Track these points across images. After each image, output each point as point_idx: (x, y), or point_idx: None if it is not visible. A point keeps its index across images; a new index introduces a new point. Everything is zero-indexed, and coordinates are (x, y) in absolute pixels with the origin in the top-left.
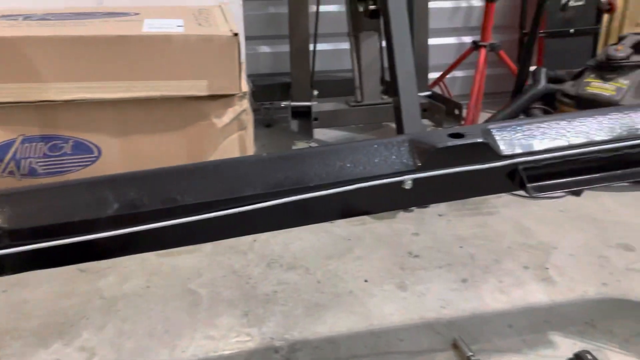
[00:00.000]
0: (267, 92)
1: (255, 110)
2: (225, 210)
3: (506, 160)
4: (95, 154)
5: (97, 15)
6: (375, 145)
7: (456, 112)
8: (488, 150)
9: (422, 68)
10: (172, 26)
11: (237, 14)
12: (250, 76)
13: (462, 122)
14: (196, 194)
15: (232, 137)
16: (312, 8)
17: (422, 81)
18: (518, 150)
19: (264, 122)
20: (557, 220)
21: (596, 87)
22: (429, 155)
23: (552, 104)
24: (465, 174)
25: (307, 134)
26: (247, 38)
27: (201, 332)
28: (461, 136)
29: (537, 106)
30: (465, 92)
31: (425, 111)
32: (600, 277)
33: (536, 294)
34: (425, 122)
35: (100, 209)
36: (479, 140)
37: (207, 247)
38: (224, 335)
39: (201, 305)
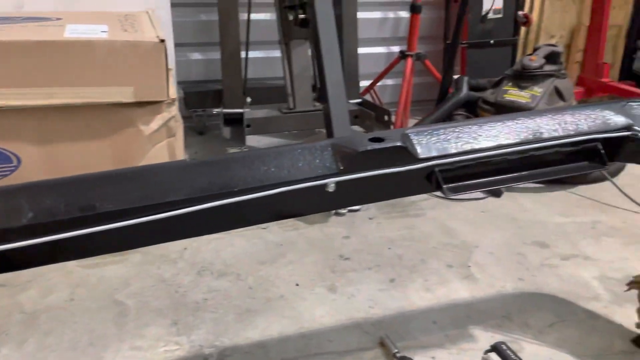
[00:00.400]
0: (199, 99)
1: (187, 118)
2: (146, 217)
3: (423, 163)
4: (15, 163)
5: (17, 20)
6: (299, 150)
7: (385, 118)
8: (406, 154)
9: (352, 76)
10: (95, 32)
11: (165, 20)
12: (181, 83)
13: (392, 128)
14: (116, 200)
15: (161, 144)
16: (244, 16)
17: (353, 89)
18: (434, 154)
19: (197, 129)
20: (479, 220)
21: (513, 94)
22: (350, 159)
23: (474, 111)
24: (385, 176)
25: (239, 141)
26: (178, 45)
27: (128, 343)
28: (381, 140)
29: (459, 113)
30: (396, 99)
31: (357, 118)
32: (518, 273)
33: (459, 291)
34: (357, 128)
35: (14, 218)
36: (398, 144)
37: (136, 256)
38: (152, 345)
39: (129, 316)
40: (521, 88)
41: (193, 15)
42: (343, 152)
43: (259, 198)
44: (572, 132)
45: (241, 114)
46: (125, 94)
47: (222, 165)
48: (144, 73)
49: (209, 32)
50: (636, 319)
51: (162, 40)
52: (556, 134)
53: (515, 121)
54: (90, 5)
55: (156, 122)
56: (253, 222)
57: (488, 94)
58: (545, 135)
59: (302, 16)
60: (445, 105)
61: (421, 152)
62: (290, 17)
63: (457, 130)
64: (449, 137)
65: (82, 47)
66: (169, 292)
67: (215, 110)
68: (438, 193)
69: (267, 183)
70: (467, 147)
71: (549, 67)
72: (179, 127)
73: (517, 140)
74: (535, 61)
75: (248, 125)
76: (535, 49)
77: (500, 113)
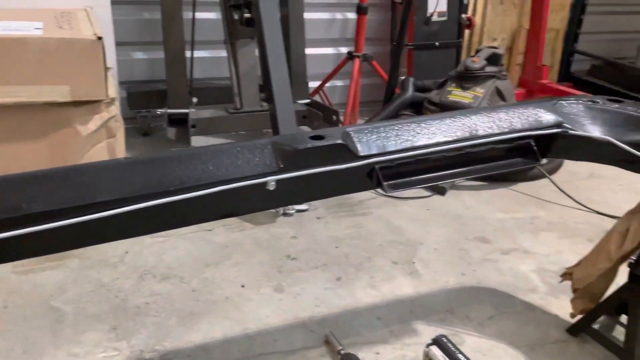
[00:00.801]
0: (142, 99)
1: (130, 119)
2: (76, 219)
3: (363, 160)
4: None
5: None
6: (239, 148)
7: (334, 118)
8: (347, 151)
9: (300, 76)
10: (29, 29)
11: (104, 18)
12: (124, 83)
13: None
14: (44, 201)
15: (100, 145)
16: (189, 15)
17: (301, 89)
18: (374, 151)
19: (141, 130)
20: (424, 218)
21: (456, 95)
22: (291, 157)
23: (420, 111)
24: (325, 174)
25: (184, 142)
26: (120, 44)
27: (64, 350)
28: (321, 138)
29: (405, 113)
30: (345, 100)
31: (305, 118)
32: (460, 268)
33: (403, 287)
34: (306, 128)
35: None
36: (338, 141)
37: (74, 261)
38: (90, 351)
39: (65, 322)
40: (464, 89)
41: (135, 13)
42: (283, 150)
43: (196, 197)
44: (506, 130)
45: (186, 114)
46: (60, 93)
47: (157, 163)
48: (80, 71)
49: (153, 31)
50: (570, 310)
51: (100, 38)
52: (491, 132)
53: (453, 119)
54: (25, 2)
55: (94, 123)
56: (191, 222)
57: (433, 95)
58: (481, 133)
59: (247, 15)
60: (392, 105)
61: (361, 149)
62: (236, 17)
63: (397, 128)
64: (389, 135)
65: (14, 44)
66: (109, 297)
67: (160, 111)
68: (381, 191)
69: (204, 182)
70: (407, 144)
71: (490, 69)
72: (119, 127)
73: (454, 138)
74: (477, 63)
75: (193, 126)
76: (477, 51)
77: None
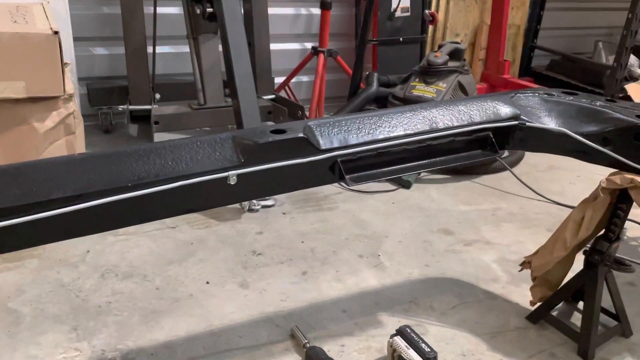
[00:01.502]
0: (104, 96)
1: (92, 116)
2: (27, 217)
3: (325, 154)
4: None
5: None
6: (198, 143)
7: (299, 114)
8: (308, 145)
9: (265, 72)
10: None
11: (61, 12)
12: (85, 79)
13: None
14: None
15: (59, 142)
16: (150, 9)
17: (266, 85)
18: (336, 144)
19: (102, 127)
20: (390, 211)
21: (420, 90)
22: (252, 151)
23: (385, 106)
24: (287, 168)
25: (147, 139)
26: (80, 39)
27: (22, 352)
28: (283, 132)
29: (370, 108)
30: (311, 96)
31: (270, 113)
32: (424, 259)
33: (368, 280)
34: (270, 124)
35: None
36: (299, 135)
37: (33, 262)
38: (49, 352)
39: (23, 324)
40: (427, 83)
41: (94, 7)
42: (244, 144)
43: (155, 193)
44: (465, 122)
45: (149, 110)
46: (15, 89)
47: (114, 159)
48: (36, 67)
49: (113, 26)
50: (530, 298)
51: (56, 32)
52: (450, 124)
53: (413, 112)
54: None
55: (52, 119)
56: (150, 218)
57: (397, 90)
58: (441, 126)
59: (209, 10)
60: (356, 100)
61: (323, 143)
62: (198, 11)
63: (358, 121)
64: (350, 128)
65: None
66: (69, 298)
67: (121, 107)
68: (343, 184)
69: (163, 177)
70: (368, 137)
71: (452, 64)
72: (78, 124)
73: (415, 131)
74: (440, 58)
75: (156, 122)
76: (440, 46)
77: None
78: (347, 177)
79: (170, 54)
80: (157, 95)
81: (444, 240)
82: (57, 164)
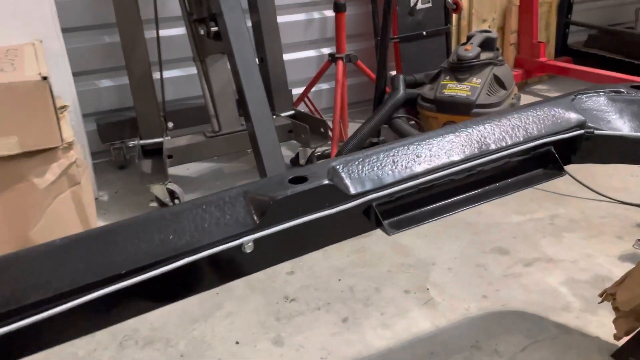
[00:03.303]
0: (114, 130)
1: (104, 152)
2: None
3: (356, 199)
4: None
5: None
6: (204, 206)
7: (322, 130)
8: (335, 192)
9: (281, 86)
10: None
11: (56, 49)
12: (93, 115)
13: (330, 139)
14: None
15: (63, 195)
16: (152, 34)
17: (284, 100)
18: (368, 187)
19: (117, 163)
20: (433, 231)
21: (452, 88)
22: (268, 209)
23: (415, 109)
24: (313, 223)
25: (161, 174)
26: (82, 73)
27: None
28: (304, 180)
29: (399, 115)
30: (333, 103)
31: (291, 132)
32: (480, 289)
33: (419, 322)
34: (293, 143)
35: None
36: (324, 182)
37: None
38: None
39: None
40: (459, 80)
41: (94, 39)
42: (258, 201)
43: (154, 278)
44: (520, 139)
45: (160, 143)
46: (8, 146)
47: (102, 240)
48: (28, 118)
49: (117, 56)
50: (613, 330)
51: (45, 78)
52: (504, 143)
53: (456, 133)
54: None
55: (52, 172)
56: (148, 308)
57: (426, 90)
58: (492, 146)
59: (214, 29)
60: (383, 109)
61: (353, 187)
62: (202, 32)
63: (392, 153)
64: (383, 164)
65: None
66: None
67: (131, 143)
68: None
69: (164, 257)
70: (406, 172)
71: (485, 55)
72: (83, 171)
73: (462, 157)
74: (471, 50)
75: (170, 156)
76: (468, 38)
77: (441, 110)
78: (385, 223)
79: (180, 77)
80: (170, 124)
81: (500, 262)
82: (34, 257)
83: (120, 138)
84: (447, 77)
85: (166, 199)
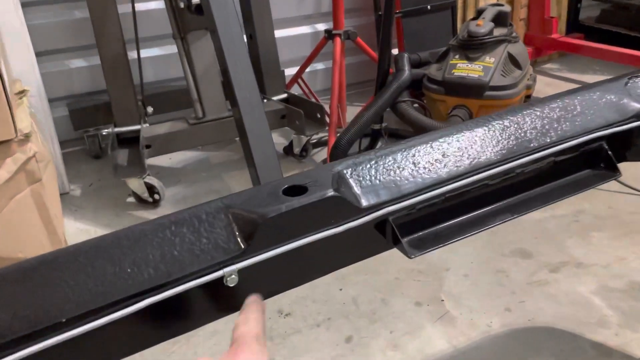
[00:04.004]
0: (88, 116)
1: (77, 140)
2: None
3: (369, 213)
4: None
5: None
6: (173, 227)
7: (318, 115)
8: (343, 205)
9: (273, 66)
10: None
11: (14, 24)
12: (64, 99)
13: (327, 124)
14: None
15: (21, 195)
16: (127, 8)
17: (275, 82)
18: (384, 197)
19: (91, 153)
20: None
21: (463, 69)
22: (257, 230)
23: (420, 90)
24: (314, 246)
25: (138, 166)
26: (52, 52)
27: None
28: (303, 191)
29: (404, 99)
30: (329, 85)
31: (284, 118)
32: (503, 300)
33: (435, 342)
34: (286, 129)
35: None
36: (329, 193)
37: None
38: None
39: None
40: (470, 60)
41: (64, 13)
42: (244, 219)
43: (106, 326)
44: (568, 133)
45: (137, 131)
46: None
47: (37, 279)
48: None
49: (90, 32)
50: None
51: None
52: (548, 139)
53: (489, 126)
54: None
55: (7, 169)
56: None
57: (433, 71)
58: (534, 143)
59: (195, 1)
60: (387, 92)
61: (365, 197)
62: (182, 4)
63: (411, 153)
64: (401, 166)
65: None
66: None
67: (105, 131)
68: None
69: (117, 298)
70: (430, 177)
71: (498, 32)
72: (45, 167)
73: (498, 157)
74: (483, 26)
75: (148, 146)
76: (479, 12)
77: (450, 92)
78: (404, 241)
79: (160, 57)
80: (149, 109)
81: (522, 268)
82: None
83: (95, 125)
84: (457, 56)
85: (144, 194)
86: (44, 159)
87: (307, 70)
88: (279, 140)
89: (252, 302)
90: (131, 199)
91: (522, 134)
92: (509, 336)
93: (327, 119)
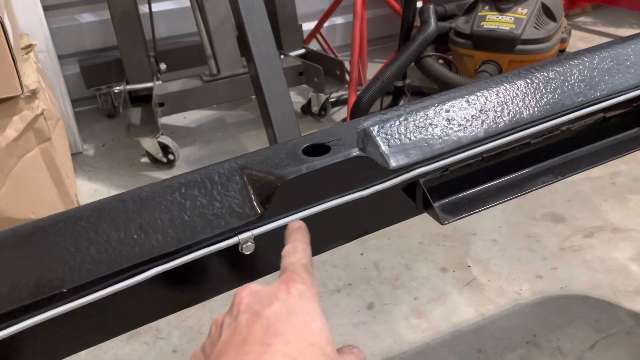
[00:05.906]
0: (100, 73)
1: (90, 99)
2: None
3: (399, 175)
4: None
5: None
6: (183, 190)
7: (338, 72)
8: (369, 166)
9: (290, 20)
10: None
11: None
12: (76, 55)
13: (347, 82)
14: None
15: (31, 154)
16: None
17: (292, 37)
18: (415, 157)
19: (104, 112)
20: None
21: (492, 21)
22: (275, 193)
23: (446, 45)
24: (337, 211)
25: (152, 125)
26: (61, 6)
27: None
28: (325, 150)
29: (429, 54)
30: (349, 41)
31: (301, 75)
32: (534, 267)
33: (461, 310)
34: (304, 87)
35: None
36: (354, 153)
37: None
38: None
39: None
40: (501, 11)
41: None
42: (261, 181)
43: (111, 297)
44: (620, 87)
45: (150, 88)
46: None
47: (35, 247)
48: None
49: None
50: None
51: None
52: (598, 93)
53: (532, 79)
54: None
55: (14, 127)
56: (99, 340)
57: (461, 23)
58: (582, 98)
59: None
60: (412, 46)
61: (394, 158)
62: None
63: (444, 108)
64: (434, 124)
65: None
66: None
67: (117, 88)
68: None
69: (122, 267)
70: (465, 135)
71: None
72: (55, 125)
73: (541, 112)
74: None
75: (161, 104)
76: None
77: (479, 46)
78: (436, 205)
79: (173, 11)
80: (163, 66)
81: (555, 232)
82: None
83: (107, 82)
84: (486, 7)
85: (158, 154)
86: (53, 117)
87: (326, 24)
88: (296, 98)
89: (297, 229)
90: (145, 159)
91: (569, 87)
92: (540, 304)
93: (347, 76)
